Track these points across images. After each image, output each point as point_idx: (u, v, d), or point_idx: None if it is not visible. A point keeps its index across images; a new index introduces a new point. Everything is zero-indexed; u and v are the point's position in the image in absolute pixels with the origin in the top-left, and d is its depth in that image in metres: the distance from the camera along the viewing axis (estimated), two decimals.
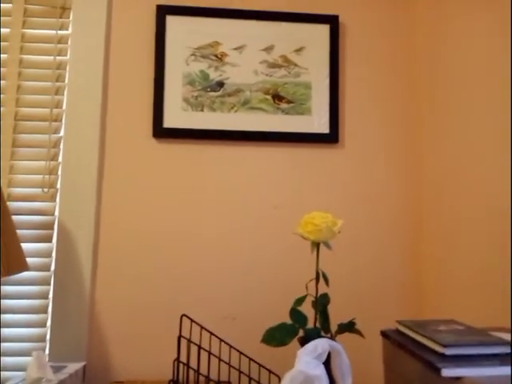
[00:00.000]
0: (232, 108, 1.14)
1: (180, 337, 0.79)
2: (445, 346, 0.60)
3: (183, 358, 0.80)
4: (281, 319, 0.81)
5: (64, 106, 1.11)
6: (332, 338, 0.79)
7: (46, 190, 1.09)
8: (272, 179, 1.15)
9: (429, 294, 1.12)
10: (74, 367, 0.97)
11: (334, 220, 0.81)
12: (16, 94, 1.10)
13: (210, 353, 0.83)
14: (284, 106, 1.15)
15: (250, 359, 0.89)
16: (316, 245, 0.82)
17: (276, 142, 1.15)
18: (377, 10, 1.22)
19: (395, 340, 0.71)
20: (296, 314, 0.82)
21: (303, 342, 0.74)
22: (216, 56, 1.15)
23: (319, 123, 1.15)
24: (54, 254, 1.07)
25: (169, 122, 1.12)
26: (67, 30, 1.14)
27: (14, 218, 0.98)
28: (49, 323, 1.05)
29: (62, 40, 1.14)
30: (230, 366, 0.86)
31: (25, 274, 1.03)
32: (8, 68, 1.11)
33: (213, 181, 1.13)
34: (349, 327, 0.81)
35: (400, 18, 1.23)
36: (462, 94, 1.01)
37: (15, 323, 1.04)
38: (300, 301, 0.82)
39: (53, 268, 1.06)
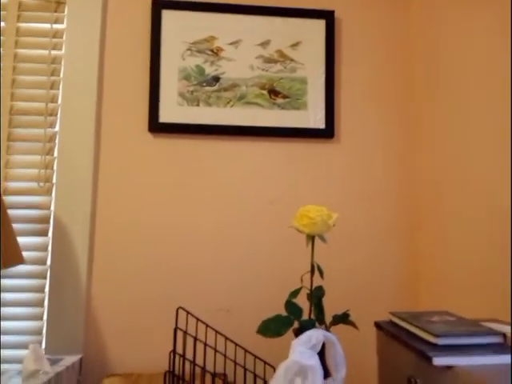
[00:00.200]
0: (228, 103, 1.14)
1: (176, 328, 0.80)
2: (437, 336, 0.61)
3: (179, 350, 0.80)
4: (276, 312, 0.82)
5: (59, 101, 1.11)
6: (327, 329, 0.80)
7: (41, 184, 1.09)
8: (268, 174, 1.15)
9: (425, 292, 1.13)
10: (70, 360, 0.98)
11: (329, 213, 0.81)
12: (11, 88, 1.10)
13: (205, 344, 0.84)
14: (280, 100, 1.16)
15: (246, 351, 0.90)
16: (311, 238, 0.83)
17: (272, 137, 1.16)
18: (373, 5, 1.22)
19: (389, 331, 0.73)
20: (291, 306, 0.82)
21: (298, 333, 0.75)
22: (212, 51, 1.15)
23: (315, 118, 1.16)
24: (49, 248, 1.07)
25: (164, 116, 1.12)
26: (62, 24, 1.13)
27: (10, 211, 0.98)
28: (45, 316, 1.05)
29: (57, 34, 1.13)
30: (226, 357, 0.87)
31: (21, 268, 1.03)
32: (3, 62, 1.11)
33: (209, 175, 1.14)
34: (343, 319, 0.82)
35: (397, 14, 1.23)
36: (462, 90, 1.01)
37: (12, 316, 1.05)
38: (295, 293, 0.83)
39: (49, 262, 1.07)
